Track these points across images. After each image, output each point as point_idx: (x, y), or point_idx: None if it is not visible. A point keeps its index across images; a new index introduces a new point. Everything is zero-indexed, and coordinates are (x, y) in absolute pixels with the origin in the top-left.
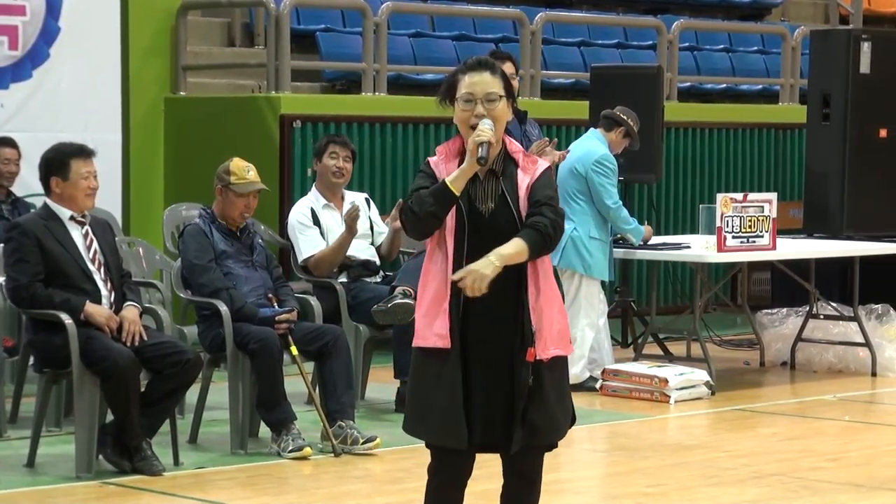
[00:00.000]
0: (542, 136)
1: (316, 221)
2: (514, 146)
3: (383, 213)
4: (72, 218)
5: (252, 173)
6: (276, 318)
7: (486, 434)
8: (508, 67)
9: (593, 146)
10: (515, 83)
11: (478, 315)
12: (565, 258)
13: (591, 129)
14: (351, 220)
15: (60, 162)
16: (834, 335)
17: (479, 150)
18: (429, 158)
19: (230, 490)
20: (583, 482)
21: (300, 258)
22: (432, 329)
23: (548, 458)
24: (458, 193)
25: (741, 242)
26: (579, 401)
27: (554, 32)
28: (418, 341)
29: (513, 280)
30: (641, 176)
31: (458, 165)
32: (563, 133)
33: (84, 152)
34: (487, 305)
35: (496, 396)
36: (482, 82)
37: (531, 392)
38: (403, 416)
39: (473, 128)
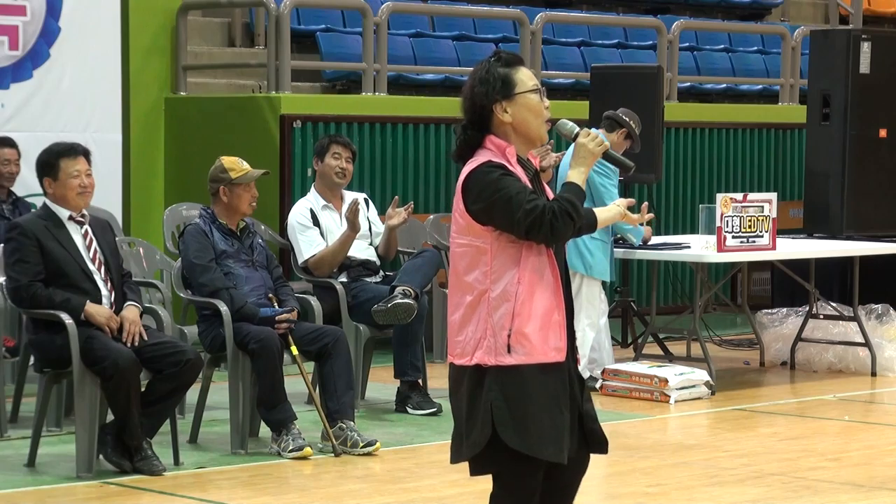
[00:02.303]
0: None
1: (315, 222)
2: None
3: (382, 213)
4: (71, 218)
5: (246, 164)
6: (277, 318)
7: (592, 441)
8: None
9: None
10: None
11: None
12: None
13: (593, 130)
14: (353, 214)
15: (50, 163)
16: (834, 335)
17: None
18: (494, 161)
19: (230, 490)
20: (583, 482)
21: (300, 259)
22: (548, 343)
23: None
24: None
25: (741, 242)
26: None
27: (554, 32)
28: (537, 357)
29: (562, 283)
30: (641, 176)
31: (521, 168)
32: None
33: (73, 151)
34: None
35: (579, 402)
36: (534, 76)
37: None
38: (504, 432)
39: (545, 120)
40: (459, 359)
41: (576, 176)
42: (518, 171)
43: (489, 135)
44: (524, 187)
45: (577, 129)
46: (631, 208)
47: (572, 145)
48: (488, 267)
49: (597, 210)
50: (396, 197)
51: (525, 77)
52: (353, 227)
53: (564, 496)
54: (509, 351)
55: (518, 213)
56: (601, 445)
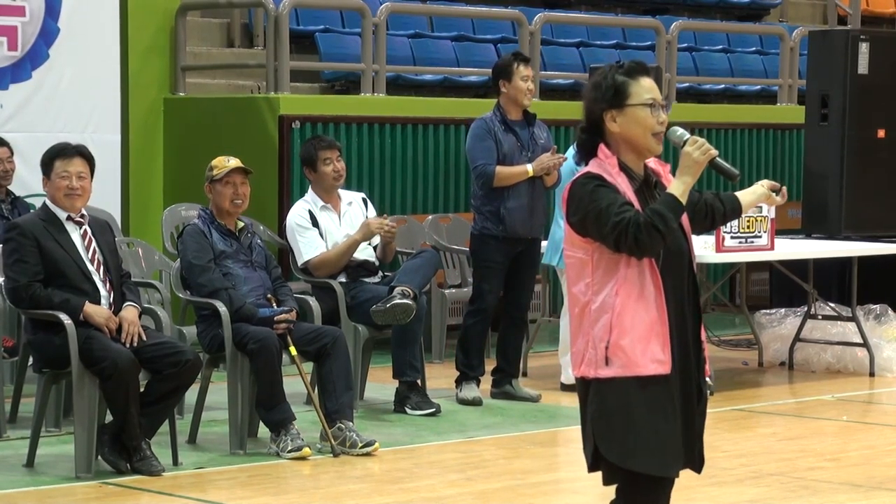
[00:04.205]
0: (550, 139)
1: (314, 223)
2: None
3: (381, 214)
4: (69, 218)
5: (232, 161)
6: (276, 318)
7: (689, 457)
8: (529, 70)
9: None
10: (532, 86)
11: (672, 334)
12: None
13: None
14: (378, 229)
15: (45, 162)
16: (832, 335)
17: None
18: (592, 172)
19: (229, 490)
20: (582, 482)
21: (300, 260)
22: (648, 355)
23: (548, 457)
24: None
25: (739, 243)
26: (577, 401)
27: (553, 33)
28: (634, 369)
29: (689, 295)
30: None
31: (625, 178)
32: (562, 134)
33: (67, 152)
34: (677, 323)
35: (691, 417)
36: (655, 88)
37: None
38: (602, 445)
39: (655, 135)
40: (574, 370)
41: (676, 186)
42: (620, 180)
43: (601, 142)
44: (615, 199)
45: (687, 136)
46: (775, 190)
47: (574, 144)
48: (590, 278)
49: (740, 194)
50: (385, 214)
51: (641, 89)
52: (367, 235)
53: None
54: (607, 363)
55: (607, 226)
56: (695, 463)
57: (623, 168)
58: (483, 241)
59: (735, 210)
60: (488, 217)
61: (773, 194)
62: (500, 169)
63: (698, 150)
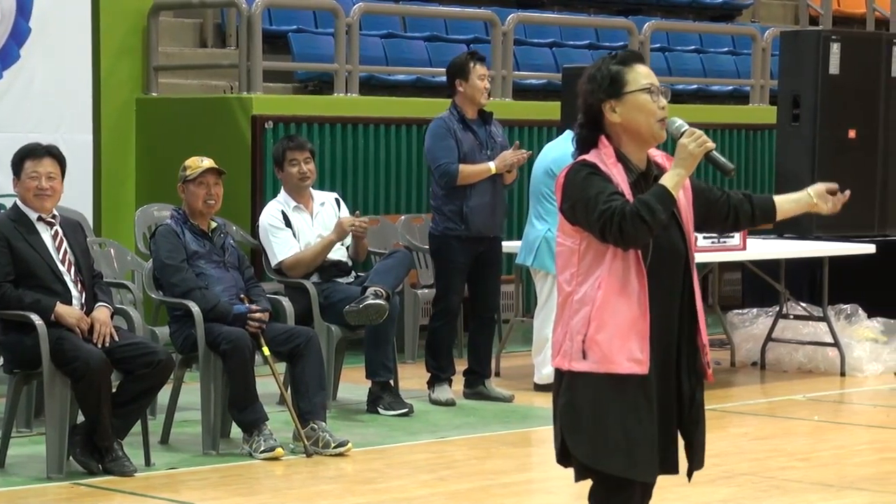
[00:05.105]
0: (505, 138)
1: (287, 223)
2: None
3: (354, 212)
4: (41, 219)
5: (206, 162)
6: (249, 314)
7: (664, 461)
8: (485, 69)
9: (569, 148)
10: (488, 84)
11: (652, 335)
12: (539, 259)
13: (568, 131)
14: (351, 227)
15: (15, 162)
16: (804, 335)
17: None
18: (587, 160)
19: (202, 491)
20: (554, 482)
21: (274, 260)
22: (624, 353)
23: (520, 458)
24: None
25: (712, 242)
26: (550, 401)
27: (525, 33)
28: (608, 366)
29: (678, 295)
30: None
31: (622, 169)
32: (535, 134)
33: (36, 152)
34: (661, 324)
35: (670, 420)
36: (651, 74)
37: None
38: (570, 440)
39: (659, 121)
40: (552, 360)
41: (668, 178)
42: (615, 171)
43: (602, 134)
44: (605, 188)
45: (685, 127)
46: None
47: (548, 144)
48: (576, 268)
49: (780, 199)
50: (358, 211)
51: (638, 76)
52: (342, 235)
53: None
54: (583, 356)
55: (594, 215)
56: (670, 468)
57: (621, 159)
58: (445, 242)
59: (767, 214)
60: (450, 217)
61: (820, 201)
62: (463, 167)
63: (694, 142)
